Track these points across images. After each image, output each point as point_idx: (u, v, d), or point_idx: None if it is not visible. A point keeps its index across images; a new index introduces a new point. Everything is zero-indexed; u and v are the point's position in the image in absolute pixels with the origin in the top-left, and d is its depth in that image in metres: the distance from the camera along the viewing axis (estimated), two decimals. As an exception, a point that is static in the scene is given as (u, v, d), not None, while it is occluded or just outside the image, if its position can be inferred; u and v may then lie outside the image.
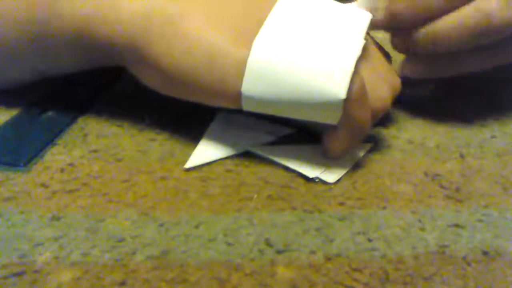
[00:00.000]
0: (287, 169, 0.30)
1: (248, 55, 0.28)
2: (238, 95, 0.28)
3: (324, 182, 0.29)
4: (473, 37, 0.30)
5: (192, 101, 0.31)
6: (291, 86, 0.27)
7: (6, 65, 0.34)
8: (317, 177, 0.29)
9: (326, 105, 0.27)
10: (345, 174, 0.30)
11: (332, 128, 0.29)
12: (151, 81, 0.31)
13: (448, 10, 0.31)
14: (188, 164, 0.30)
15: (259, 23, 0.29)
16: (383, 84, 0.31)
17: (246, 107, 0.29)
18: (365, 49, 0.29)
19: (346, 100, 0.27)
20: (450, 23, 0.30)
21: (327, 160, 0.30)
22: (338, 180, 0.29)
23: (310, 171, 0.30)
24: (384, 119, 0.34)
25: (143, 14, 0.30)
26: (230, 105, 0.30)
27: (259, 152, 0.31)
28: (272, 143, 0.32)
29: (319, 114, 0.28)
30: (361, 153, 0.32)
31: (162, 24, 0.29)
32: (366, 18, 0.31)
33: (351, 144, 0.30)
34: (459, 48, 0.31)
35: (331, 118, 0.28)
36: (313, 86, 0.27)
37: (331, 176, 0.29)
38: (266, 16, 0.29)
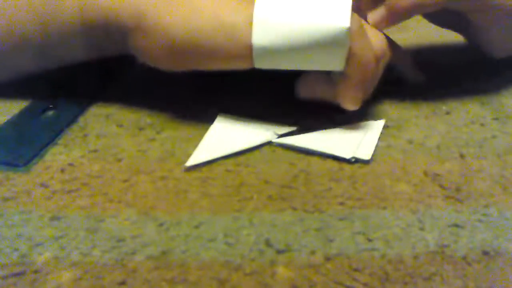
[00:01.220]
0: (311, 154, 0.31)
1: (253, 9, 0.29)
2: (248, 51, 0.29)
3: (361, 161, 0.30)
4: None
5: (201, 69, 0.31)
6: (298, 28, 0.28)
7: (13, 51, 0.34)
8: (353, 157, 0.30)
9: (333, 40, 0.28)
10: (376, 147, 0.32)
11: (342, 79, 0.30)
12: (157, 55, 0.31)
13: None
14: (190, 162, 0.30)
15: None
16: (376, 32, 0.32)
17: (258, 63, 0.29)
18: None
19: (349, 32, 0.28)
20: None
21: (354, 138, 0.32)
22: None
23: (345, 152, 0.31)
24: (384, 119, 0.34)
25: None
26: (242, 64, 0.30)
27: (284, 142, 0.32)
28: (289, 134, 0.33)
29: (327, 57, 0.29)
30: (380, 127, 0.33)
31: None
32: None
33: (364, 90, 0.31)
34: None
35: (338, 61, 0.29)
36: (318, 23, 0.28)
37: (365, 153, 0.31)
38: None
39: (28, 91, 0.36)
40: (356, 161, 0.31)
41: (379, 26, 0.34)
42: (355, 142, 0.32)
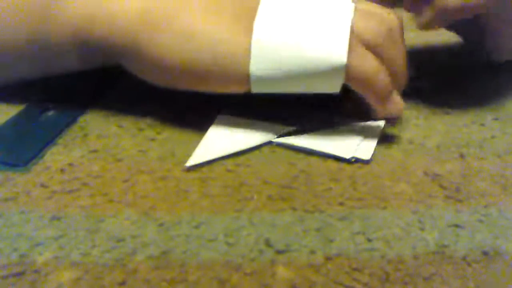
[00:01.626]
0: (311, 154, 0.31)
1: (248, 39, 0.29)
2: (246, 78, 0.29)
3: (360, 161, 0.31)
4: None
5: (200, 92, 0.31)
6: (295, 59, 0.29)
7: (6, 64, 0.34)
8: (353, 157, 0.31)
9: (330, 72, 0.29)
10: (376, 147, 0.32)
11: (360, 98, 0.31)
12: (154, 77, 0.32)
13: None
14: (190, 162, 0.30)
15: (254, 8, 0.30)
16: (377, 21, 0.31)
17: (255, 88, 0.30)
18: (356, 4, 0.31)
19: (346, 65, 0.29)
20: None
21: (354, 139, 0.32)
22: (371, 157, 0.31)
23: (345, 152, 0.31)
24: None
25: (141, 10, 0.30)
26: (239, 90, 0.30)
27: (284, 142, 0.32)
28: (289, 134, 0.33)
29: (323, 85, 0.30)
30: (380, 127, 0.33)
31: (160, 19, 0.30)
32: None
33: (384, 96, 0.31)
34: None
35: (334, 86, 0.30)
36: (316, 56, 0.28)
37: (365, 153, 0.31)
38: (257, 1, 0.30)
39: (28, 91, 0.36)
40: (356, 161, 0.31)
41: (427, 28, 0.34)
42: (355, 142, 0.32)
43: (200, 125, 0.33)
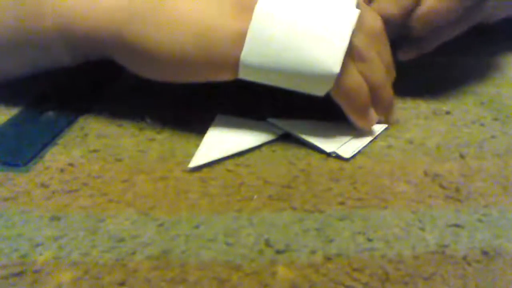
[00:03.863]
0: (303, 145, 0.31)
1: (244, 26, 0.28)
2: (234, 65, 0.29)
3: (339, 157, 0.31)
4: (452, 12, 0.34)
5: (186, 82, 0.31)
6: (289, 55, 0.28)
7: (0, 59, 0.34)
8: (333, 152, 0.31)
9: (320, 78, 0.29)
10: (361, 149, 0.32)
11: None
12: (141, 70, 0.32)
13: None
14: (192, 164, 0.30)
15: None
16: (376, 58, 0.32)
17: (242, 75, 0.30)
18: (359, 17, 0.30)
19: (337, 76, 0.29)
20: (430, 6, 0.33)
21: (344, 136, 0.32)
22: (352, 156, 0.31)
23: (327, 146, 0.31)
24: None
25: (125, 1, 0.30)
26: (225, 77, 0.30)
27: (278, 124, 0.33)
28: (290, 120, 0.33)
29: (310, 85, 0.30)
30: (377, 131, 0.33)
31: (145, 9, 0.30)
32: None
33: (364, 110, 0.32)
34: (447, 21, 0.34)
35: (320, 90, 0.30)
36: (310, 57, 0.28)
37: (347, 151, 0.31)
38: None
39: (28, 91, 0.36)
40: (337, 156, 0.31)
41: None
42: (343, 140, 0.32)
43: (200, 125, 0.33)
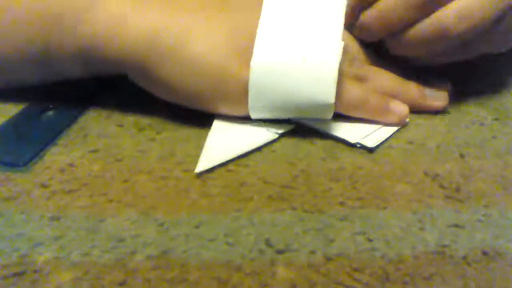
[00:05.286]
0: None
1: (248, 76, 0.30)
2: (244, 107, 0.32)
3: (364, 148, 0.32)
4: (433, 45, 0.33)
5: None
6: (289, 97, 0.31)
7: (12, 69, 0.35)
8: (358, 143, 0.32)
9: (321, 107, 0.31)
10: (385, 140, 0.32)
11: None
12: (158, 93, 0.33)
13: (410, 21, 0.32)
14: (198, 169, 0.30)
15: (251, 33, 0.31)
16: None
17: (254, 115, 0.32)
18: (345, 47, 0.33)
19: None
20: (412, 35, 0.33)
21: (367, 127, 0.33)
22: (377, 146, 0.32)
23: (351, 137, 0.32)
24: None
25: (150, 33, 0.31)
26: (239, 114, 0.33)
27: (300, 121, 0.33)
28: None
29: (316, 114, 0.32)
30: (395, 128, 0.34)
31: (169, 47, 0.31)
32: (340, 19, 0.32)
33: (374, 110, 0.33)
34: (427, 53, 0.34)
35: (326, 116, 0.32)
36: (307, 95, 0.31)
37: (371, 141, 0.32)
38: (255, 23, 0.32)
39: (28, 91, 0.36)
40: (362, 147, 0.32)
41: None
42: (367, 130, 0.33)
43: (200, 125, 0.33)
